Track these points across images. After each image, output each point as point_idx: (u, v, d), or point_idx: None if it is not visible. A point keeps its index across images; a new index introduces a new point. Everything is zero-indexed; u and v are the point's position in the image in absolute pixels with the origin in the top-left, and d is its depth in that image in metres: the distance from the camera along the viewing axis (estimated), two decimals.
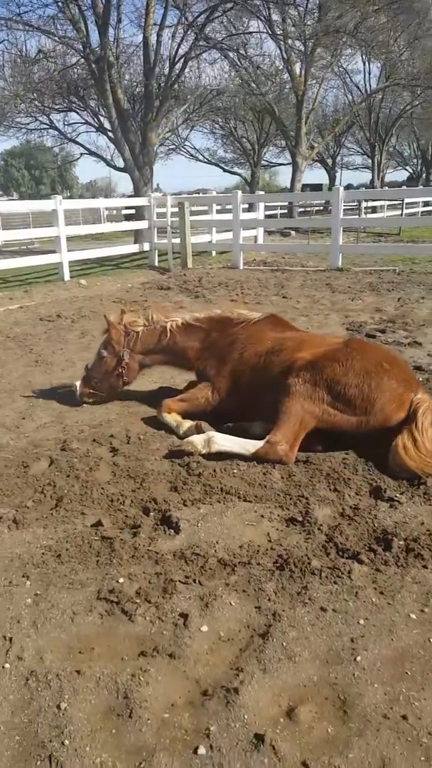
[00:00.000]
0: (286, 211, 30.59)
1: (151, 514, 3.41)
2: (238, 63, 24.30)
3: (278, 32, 24.82)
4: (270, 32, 24.56)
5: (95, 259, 16.63)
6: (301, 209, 32.44)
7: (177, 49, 19.10)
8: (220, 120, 41.14)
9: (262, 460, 3.97)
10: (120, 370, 5.19)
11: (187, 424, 4.58)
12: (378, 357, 4.16)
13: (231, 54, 23.36)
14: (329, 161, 53.23)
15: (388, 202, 33.08)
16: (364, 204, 30.04)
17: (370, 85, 36.79)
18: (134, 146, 19.22)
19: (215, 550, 3.04)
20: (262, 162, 46.27)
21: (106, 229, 21.03)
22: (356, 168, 74.35)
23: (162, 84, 19.09)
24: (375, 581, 2.77)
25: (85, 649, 2.42)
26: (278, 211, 34.98)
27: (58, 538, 3.19)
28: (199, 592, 2.71)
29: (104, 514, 3.43)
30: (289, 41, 24.40)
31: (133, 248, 16.82)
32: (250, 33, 24.84)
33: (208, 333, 5.08)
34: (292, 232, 25.23)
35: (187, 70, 20.18)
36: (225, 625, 2.53)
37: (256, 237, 18.43)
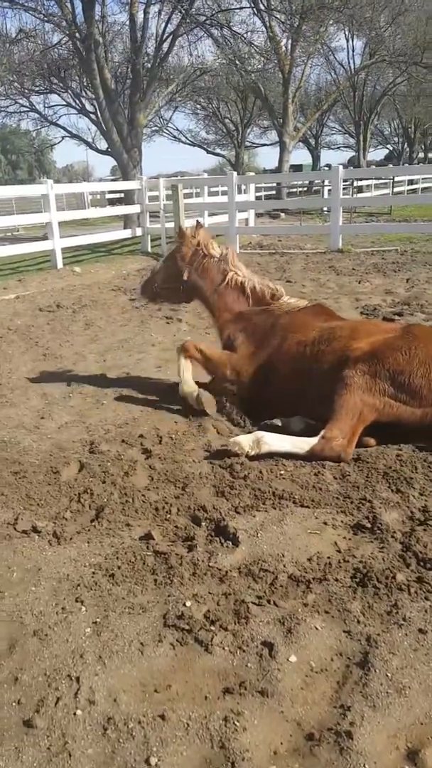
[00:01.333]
0: (273, 192, 30.14)
1: (203, 523, 3.13)
2: (225, 42, 23.70)
3: (262, 8, 24.28)
4: (255, 8, 24.00)
5: (86, 246, 16.17)
6: (289, 190, 32.06)
7: (165, 27, 18.57)
8: (202, 100, 40.55)
9: (318, 458, 3.70)
10: (180, 286, 5.06)
11: (192, 388, 4.58)
12: None
13: (216, 31, 22.76)
14: (312, 141, 52.74)
15: (375, 182, 32.77)
16: (347, 183, 29.82)
17: (354, 63, 36.37)
18: (122, 128, 18.70)
19: (283, 565, 2.77)
20: (246, 143, 45.64)
21: (96, 214, 20.59)
22: (338, 147, 74.12)
23: (150, 63, 18.55)
24: None
25: (161, 687, 2.14)
26: (263, 193, 34.56)
27: (107, 554, 2.90)
28: (277, 615, 2.44)
29: (151, 525, 3.15)
30: (276, 15, 23.82)
31: (124, 234, 16.40)
32: (237, 9, 24.23)
33: (250, 306, 4.92)
34: (282, 214, 24.87)
35: (175, 48, 19.62)
36: (315, 653, 2.26)
37: (247, 220, 18.08)
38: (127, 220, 18.73)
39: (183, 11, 18.31)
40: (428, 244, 14.37)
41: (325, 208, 25.78)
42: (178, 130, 44.54)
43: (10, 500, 3.42)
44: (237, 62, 25.28)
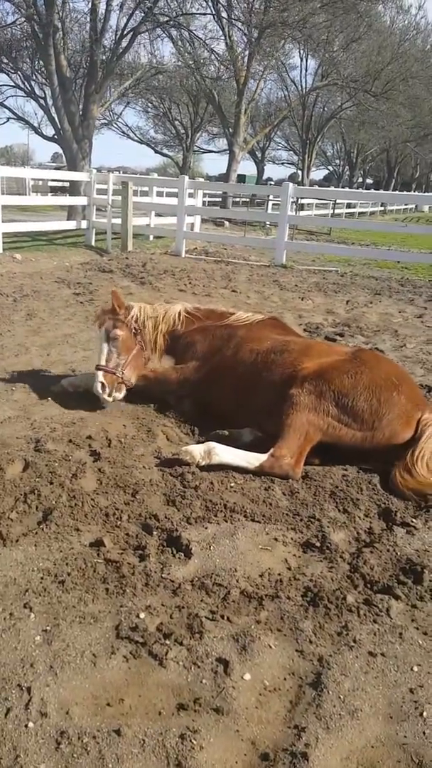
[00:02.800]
0: (219, 200, 30.29)
1: (155, 533, 3.09)
2: (184, 45, 23.67)
3: (224, 17, 24.41)
4: (217, 15, 24.11)
5: (26, 233, 15.75)
6: (235, 200, 32.33)
7: (127, 22, 18.38)
8: (155, 99, 40.33)
9: (266, 474, 3.73)
10: (140, 345, 4.85)
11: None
12: (388, 371, 4.00)
13: (176, 33, 22.73)
14: (258, 154, 53.37)
15: (316, 201, 33.45)
16: (292, 201, 30.33)
17: (305, 83, 37.04)
18: (74, 117, 18.36)
19: (236, 580, 2.77)
20: (194, 147, 45.68)
21: (43, 201, 20.11)
22: (282, 163, 75.56)
23: (107, 56, 18.31)
24: (414, 619, 2.60)
25: (113, 701, 2.11)
26: (207, 199, 34.66)
27: (56, 559, 2.83)
28: (231, 632, 2.44)
29: (101, 531, 3.09)
30: (237, 25, 24.00)
31: (69, 224, 16.10)
32: (199, 14, 24.27)
33: (202, 321, 4.92)
34: (226, 222, 25.04)
35: (134, 45, 19.45)
36: (268, 672, 2.28)
37: (193, 224, 18.08)
38: (71, 211, 18.40)
39: (146, 9, 18.19)
40: (365, 268, 14.79)
41: (267, 222, 26.19)
42: (127, 126, 44.20)
43: None
44: (194, 66, 25.29)
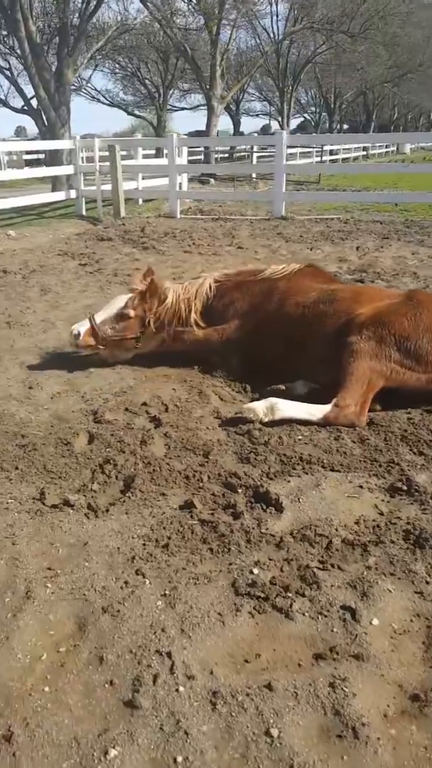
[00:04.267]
0: (200, 158, 29.71)
1: (239, 490, 3.07)
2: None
3: None
4: None
5: (13, 209, 15.40)
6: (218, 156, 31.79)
7: None
8: (122, 60, 39.22)
9: (331, 425, 3.70)
10: (138, 336, 4.76)
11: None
12: None
13: None
14: (233, 107, 52.21)
15: (300, 150, 32.93)
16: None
17: (277, 28, 36.09)
18: (48, 84, 17.83)
19: (335, 529, 2.76)
20: (168, 106, 44.64)
21: (27, 174, 19.50)
22: (257, 114, 74.16)
23: (78, 17, 17.71)
24: None
25: (250, 657, 2.10)
26: (189, 157, 33.97)
27: (151, 524, 2.81)
28: (346, 579, 2.44)
29: (186, 493, 3.06)
30: None
31: (57, 196, 15.72)
32: None
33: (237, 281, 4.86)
34: (212, 180, 24.62)
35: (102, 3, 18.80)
36: (394, 615, 2.27)
37: (180, 184, 17.73)
38: (56, 182, 18.01)
39: None
40: (365, 213, 14.58)
41: (253, 175, 25.79)
42: (96, 89, 42.99)
43: (27, 474, 3.25)
44: (163, 21, 24.52)
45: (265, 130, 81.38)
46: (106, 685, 1.99)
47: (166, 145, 14.18)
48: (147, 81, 43.03)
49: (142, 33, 31.70)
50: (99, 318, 4.69)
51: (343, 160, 39.32)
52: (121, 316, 4.70)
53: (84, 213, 15.31)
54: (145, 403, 4.10)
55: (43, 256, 10.02)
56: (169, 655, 2.08)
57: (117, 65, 40.69)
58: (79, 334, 4.60)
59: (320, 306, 4.23)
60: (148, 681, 1.98)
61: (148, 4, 25.42)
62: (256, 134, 58.22)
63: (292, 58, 39.29)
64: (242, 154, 36.15)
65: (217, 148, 30.86)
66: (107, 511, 2.92)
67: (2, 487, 3.13)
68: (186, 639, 2.16)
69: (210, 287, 4.85)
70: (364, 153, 44.42)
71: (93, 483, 3.14)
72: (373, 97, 57.82)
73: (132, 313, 4.69)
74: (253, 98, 58.40)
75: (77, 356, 5.00)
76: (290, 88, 39.69)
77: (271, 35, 34.94)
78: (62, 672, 2.04)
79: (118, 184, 14.00)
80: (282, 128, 39.65)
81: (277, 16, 48.61)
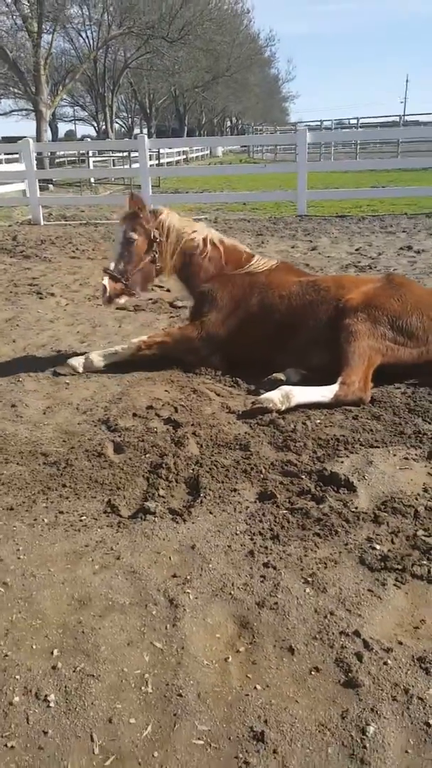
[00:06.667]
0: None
1: (303, 476, 3.15)
2: None
3: None
4: None
5: None
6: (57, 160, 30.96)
7: None
8: None
9: (341, 404, 3.89)
10: (153, 255, 4.65)
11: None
12: (421, 290, 4.29)
13: None
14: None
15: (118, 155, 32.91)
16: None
17: (91, 34, 35.73)
18: None
19: (415, 498, 2.94)
20: None
21: None
22: (71, 120, 73.30)
23: None
24: None
25: (418, 624, 2.20)
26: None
27: (245, 519, 2.81)
28: None
29: (255, 486, 3.09)
30: None
31: None
32: None
33: (224, 264, 4.80)
34: (51, 186, 23.98)
35: None
36: None
37: (25, 190, 17.13)
38: None
39: None
40: (221, 213, 15.03)
41: (92, 179, 25.50)
42: None
43: (79, 490, 3.08)
44: None
45: (69, 136, 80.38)
46: (313, 672, 2.00)
47: (21, 150, 13.60)
48: None
49: None
50: (111, 264, 4.65)
51: (168, 163, 39.99)
52: (127, 243, 4.62)
53: None
54: (150, 407, 4.01)
55: None
56: (357, 633, 2.13)
57: None
58: (105, 288, 4.56)
59: (306, 296, 4.40)
60: (354, 660, 2.02)
61: None
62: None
63: (109, 63, 39.26)
64: (73, 159, 35.53)
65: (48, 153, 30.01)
66: (190, 513, 2.86)
67: (62, 505, 2.95)
68: (357, 618, 2.21)
69: (204, 241, 4.80)
70: (185, 157, 45.49)
71: (156, 489, 3.05)
72: (184, 102, 59.33)
73: (134, 235, 4.60)
74: (65, 104, 57.55)
75: (34, 367, 4.76)
76: (111, 93, 39.61)
77: (88, 41, 34.60)
78: (259, 668, 2.02)
79: None
80: (102, 133, 39.52)
81: (90, 20, 48.25)
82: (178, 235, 4.73)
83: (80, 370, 4.60)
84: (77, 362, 4.63)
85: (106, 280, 4.55)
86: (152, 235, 4.65)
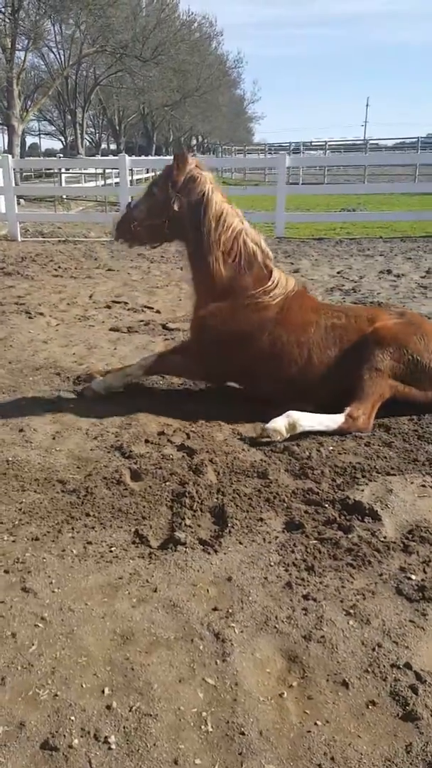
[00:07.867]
0: None
1: (326, 504, 3.18)
2: None
3: None
4: None
5: None
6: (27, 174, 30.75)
7: None
8: None
9: (344, 433, 3.94)
10: (165, 221, 4.32)
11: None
12: None
13: None
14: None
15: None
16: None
17: (63, 51, 35.80)
18: None
19: None
20: None
21: None
22: (39, 134, 73.32)
23: None
24: None
25: None
26: None
27: (275, 549, 2.82)
28: None
29: (280, 515, 3.10)
30: None
31: None
32: None
33: (244, 277, 4.33)
34: (21, 201, 23.80)
35: None
36: None
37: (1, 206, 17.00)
38: None
39: None
40: None
41: (64, 196, 25.38)
42: None
43: (104, 519, 3.05)
44: None
45: (33, 149, 79.81)
46: (370, 706, 2.01)
47: (1, 166, 13.47)
48: None
49: None
50: (133, 203, 4.53)
51: (137, 180, 40.00)
52: (148, 196, 4.41)
53: None
54: (162, 433, 4.01)
55: None
56: (408, 666, 2.15)
57: None
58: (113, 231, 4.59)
59: (330, 333, 4.28)
60: (409, 693, 2.04)
61: None
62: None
63: (81, 80, 39.39)
64: (40, 174, 35.41)
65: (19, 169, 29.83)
66: (220, 543, 2.86)
67: (89, 535, 2.92)
68: (405, 649, 2.24)
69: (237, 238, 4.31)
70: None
71: (182, 519, 3.04)
72: (153, 120, 59.77)
73: (156, 190, 4.35)
74: (32, 117, 57.49)
75: (36, 391, 4.71)
76: (82, 109, 39.68)
77: (59, 58, 34.67)
78: (316, 704, 2.02)
79: None
80: (69, 147, 39.49)
81: (61, 35, 48.34)
82: (210, 210, 4.23)
83: None
84: None
85: (116, 221, 4.55)
86: (171, 202, 4.26)
